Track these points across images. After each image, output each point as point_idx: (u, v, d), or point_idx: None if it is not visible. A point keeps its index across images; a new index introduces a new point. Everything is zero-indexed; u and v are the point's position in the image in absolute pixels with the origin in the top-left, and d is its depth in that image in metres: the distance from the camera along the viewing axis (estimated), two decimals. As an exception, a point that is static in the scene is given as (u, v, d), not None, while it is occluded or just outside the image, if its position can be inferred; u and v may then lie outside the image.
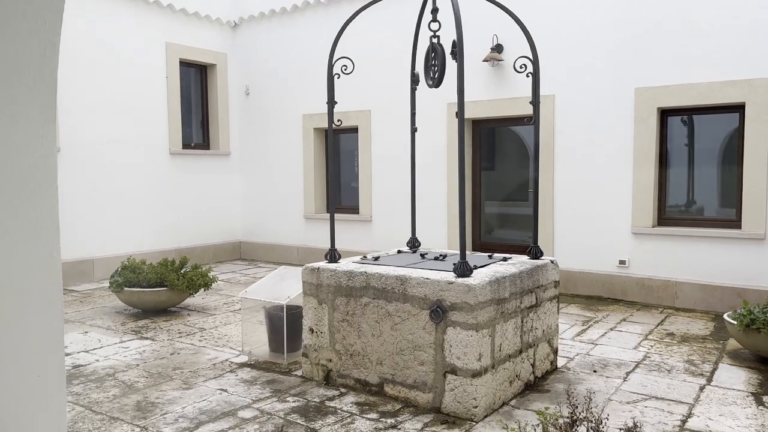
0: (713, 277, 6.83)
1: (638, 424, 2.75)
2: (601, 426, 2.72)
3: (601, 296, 7.53)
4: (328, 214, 9.71)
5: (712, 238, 6.82)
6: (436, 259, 4.84)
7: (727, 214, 7.01)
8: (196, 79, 10.63)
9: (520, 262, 4.68)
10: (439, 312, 3.96)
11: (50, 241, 1.79)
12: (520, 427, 3.03)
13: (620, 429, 2.85)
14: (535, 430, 3.26)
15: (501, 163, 9.05)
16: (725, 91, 6.60)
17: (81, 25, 8.58)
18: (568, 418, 2.86)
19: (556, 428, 2.68)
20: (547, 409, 2.94)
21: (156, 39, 9.59)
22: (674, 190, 7.43)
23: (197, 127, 10.71)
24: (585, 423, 2.84)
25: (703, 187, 7.31)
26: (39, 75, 1.76)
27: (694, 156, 7.29)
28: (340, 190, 10.28)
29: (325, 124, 9.58)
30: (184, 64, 10.16)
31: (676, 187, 7.41)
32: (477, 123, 8.61)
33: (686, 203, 7.42)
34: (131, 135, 9.29)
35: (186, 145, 10.20)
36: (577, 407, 2.76)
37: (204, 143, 10.70)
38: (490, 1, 4.76)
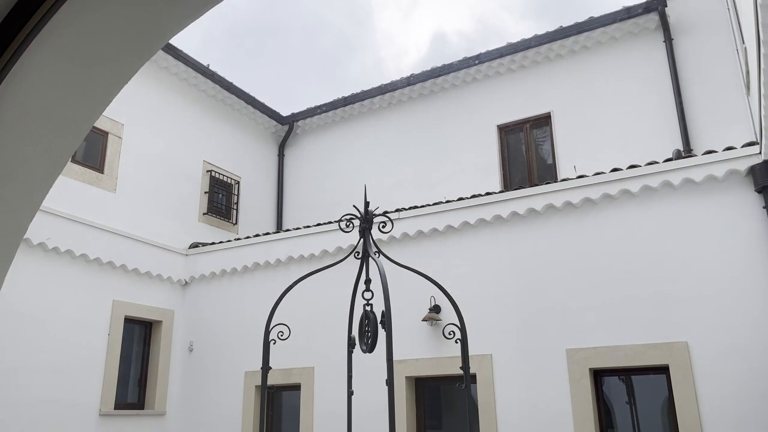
0: None
1: None
2: None
3: None
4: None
5: (663, 505, 6.58)
6: None
7: (674, 478, 6.88)
8: (139, 336, 10.54)
9: None
10: None
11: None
12: None
13: None
14: None
15: (448, 421, 8.86)
16: (649, 353, 6.95)
17: (26, 284, 8.65)
18: None
19: None
20: None
21: (103, 297, 9.66)
22: (618, 452, 7.34)
23: (134, 385, 10.32)
24: None
25: (646, 448, 7.26)
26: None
27: (634, 416, 7.36)
28: (280, 453, 9.71)
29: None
30: (129, 321, 10.15)
31: (620, 448, 7.35)
32: (420, 381, 8.63)
33: (632, 466, 7.28)
34: (62, 396, 8.79)
35: (119, 405, 9.71)
36: None
37: (139, 402, 10.22)
38: (421, 275, 5.20)
